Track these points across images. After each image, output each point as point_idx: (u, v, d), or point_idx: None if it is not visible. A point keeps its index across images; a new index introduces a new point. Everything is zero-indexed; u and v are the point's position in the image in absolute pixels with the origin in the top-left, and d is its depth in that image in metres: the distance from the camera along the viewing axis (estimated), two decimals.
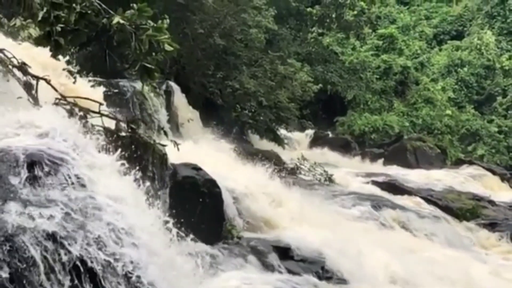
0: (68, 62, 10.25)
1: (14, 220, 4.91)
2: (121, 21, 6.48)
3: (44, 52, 8.47)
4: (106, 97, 12.98)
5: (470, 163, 29.74)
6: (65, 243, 5.02)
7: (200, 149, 13.14)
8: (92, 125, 6.99)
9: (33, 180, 5.39)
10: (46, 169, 5.50)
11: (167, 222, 6.85)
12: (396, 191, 19.13)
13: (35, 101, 7.48)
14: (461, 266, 12.34)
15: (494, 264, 13.53)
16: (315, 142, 31.34)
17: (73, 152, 5.88)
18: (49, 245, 4.96)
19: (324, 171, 19.89)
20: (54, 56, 6.96)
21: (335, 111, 36.53)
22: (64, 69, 9.71)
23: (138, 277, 5.39)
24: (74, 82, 9.40)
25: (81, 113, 7.11)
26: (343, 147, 30.34)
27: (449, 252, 13.63)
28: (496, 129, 37.41)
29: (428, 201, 18.35)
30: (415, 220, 15.39)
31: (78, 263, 5.04)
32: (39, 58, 9.69)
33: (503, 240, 15.73)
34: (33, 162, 5.48)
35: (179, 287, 6.17)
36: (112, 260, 5.31)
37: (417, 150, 29.27)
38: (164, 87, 20.96)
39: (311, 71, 31.98)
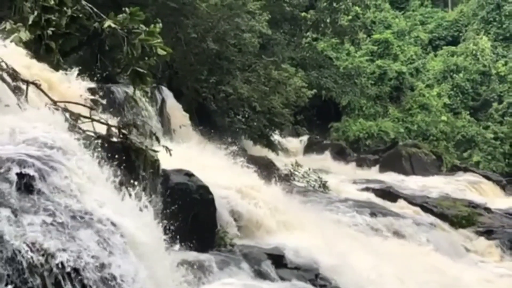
0: (91, 91, 9.83)
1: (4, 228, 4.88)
2: (113, 25, 6.47)
3: (61, 78, 8.32)
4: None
5: (466, 170, 29.83)
6: (56, 252, 4.98)
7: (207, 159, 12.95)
8: (84, 131, 6.97)
9: (24, 187, 5.37)
10: (37, 176, 5.47)
11: (160, 229, 6.84)
12: (391, 198, 19.17)
13: (25, 106, 7.45)
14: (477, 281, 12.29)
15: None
16: (310, 148, 31.36)
17: (66, 160, 5.86)
18: (39, 253, 4.93)
19: (318, 177, 19.89)
20: (45, 59, 6.93)
21: (329, 117, 36.55)
22: (85, 98, 9.32)
23: (130, 286, 5.37)
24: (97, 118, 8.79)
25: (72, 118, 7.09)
26: (338, 153, 30.38)
27: (450, 262, 13.61)
28: (492, 136, 37.50)
29: (424, 208, 18.37)
30: (411, 227, 15.41)
31: (68, 272, 5.01)
32: (59, 87, 9.39)
33: (504, 253, 15.74)
34: (24, 169, 5.45)
35: None
36: (103, 269, 5.28)
37: (412, 156, 29.32)
38: (156, 92, 20.93)
39: (305, 76, 31.97)
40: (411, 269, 11.89)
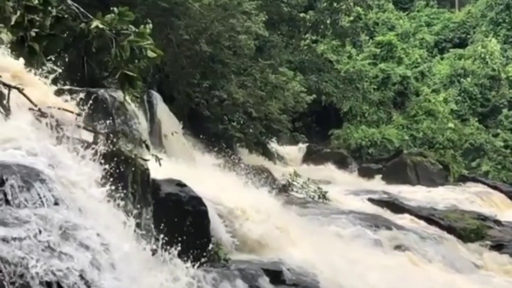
0: None
1: None
2: (101, 26, 6.47)
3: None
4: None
5: (474, 180, 29.89)
6: (39, 266, 4.96)
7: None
8: (70, 138, 6.96)
9: (4, 197, 5.35)
10: (20, 186, 5.45)
11: (148, 242, 6.82)
12: (395, 210, 19.19)
13: (7, 111, 7.44)
14: None
15: None
16: (309, 156, 31.38)
17: (50, 169, 5.85)
18: (19, 268, 4.90)
19: (318, 188, 19.91)
20: (29, 63, 6.92)
21: (329, 124, 36.59)
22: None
23: None
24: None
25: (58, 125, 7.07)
26: (339, 162, 30.40)
27: (459, 278, 13.58)
28: (502, 144, 37.59)
29: (430, 220, 18.39)
30: (416, 241, 15.40)
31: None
32: None
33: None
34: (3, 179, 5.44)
35: None
36: (88, 284, 5.26)
37: (417, 165, 29.36)
38: (146, 96, 20.92)
39: (304, 81, 32.05)
40: (417, 286, 11.87)
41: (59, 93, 9.58)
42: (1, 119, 6.94)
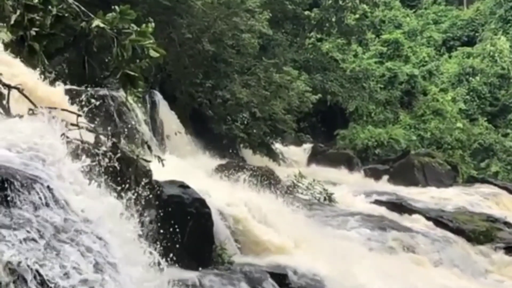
0: None
1: None
2: (101, 25, 6.48)
3: None
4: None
5: (484, 181, 29.85)
6: (39, 270, 4.97)
7: None
8: (70, 139, 6.97)
9: (4, 199, 5.36)
10: (19, 188, 5.47)
11: (150, 244, 6.83)
12: (402, 212, 19.17)
13: (7, 111, 7.47)
14: None
15: None
16: (314, 157, 31.36)
17: (50, 170, 5.85)
18: (19, 271, 4.92)
19: (324, 189, 19.90)
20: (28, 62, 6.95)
21: (335, 124, 36.57)
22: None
23: None
24: None
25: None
26: (345, 163, 30.37)
27: (468, 282, 13.54)
28: None
29: (438, 222, 18.37)
30: (424, 244, 15.40)
31: None
32: None
33: None
34: (4, 180, 5.45)
35: None
36: None
37: (425, 166, 29.33)
38: (148, 96, 20.97)
39: (309, 80, 32.06)
40: None
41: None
42: (26, 119, 6.87)
